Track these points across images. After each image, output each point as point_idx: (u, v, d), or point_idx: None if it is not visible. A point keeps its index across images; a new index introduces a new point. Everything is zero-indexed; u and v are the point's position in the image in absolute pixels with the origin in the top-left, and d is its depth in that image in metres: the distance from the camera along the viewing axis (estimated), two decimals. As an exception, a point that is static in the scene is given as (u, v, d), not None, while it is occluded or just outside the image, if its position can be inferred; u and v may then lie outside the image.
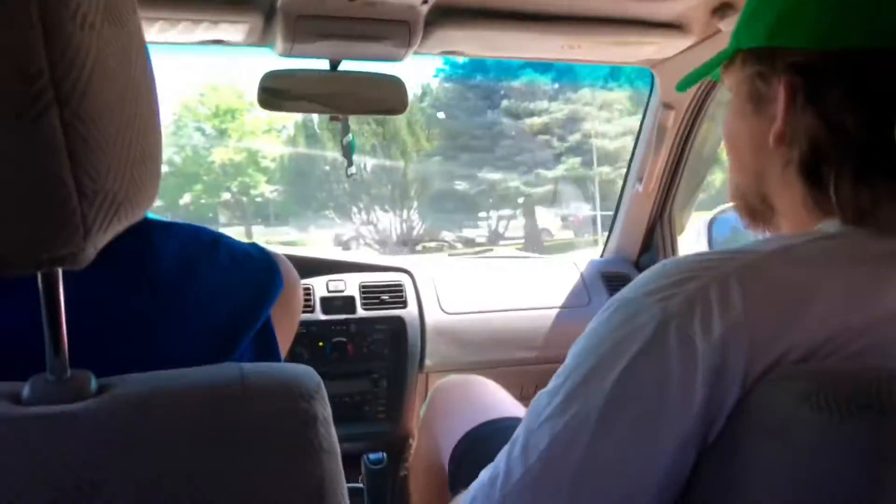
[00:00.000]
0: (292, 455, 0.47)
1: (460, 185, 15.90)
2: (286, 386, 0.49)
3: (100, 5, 0.40)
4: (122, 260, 0.58)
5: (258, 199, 15.90)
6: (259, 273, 0.68)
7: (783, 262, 0.56)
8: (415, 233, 14.58)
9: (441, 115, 15.97)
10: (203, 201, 15.45)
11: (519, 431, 0.60)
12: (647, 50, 1.55)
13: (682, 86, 0.79)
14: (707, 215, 1.84)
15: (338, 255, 1.88)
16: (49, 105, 0.38)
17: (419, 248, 13.34)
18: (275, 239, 13.70)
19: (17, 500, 0.42)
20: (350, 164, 1.54)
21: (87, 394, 0.46)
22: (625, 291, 0.59)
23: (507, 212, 16.43)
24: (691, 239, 1.92)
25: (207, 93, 15.86)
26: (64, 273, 0.45)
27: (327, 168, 15.58)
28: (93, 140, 0.40)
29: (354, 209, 14.88)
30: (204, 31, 1.34)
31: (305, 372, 0.51)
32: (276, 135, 16.18)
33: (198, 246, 0.65)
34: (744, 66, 0.66)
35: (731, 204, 0.75)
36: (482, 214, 16.49)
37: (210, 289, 0.63)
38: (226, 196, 15.79)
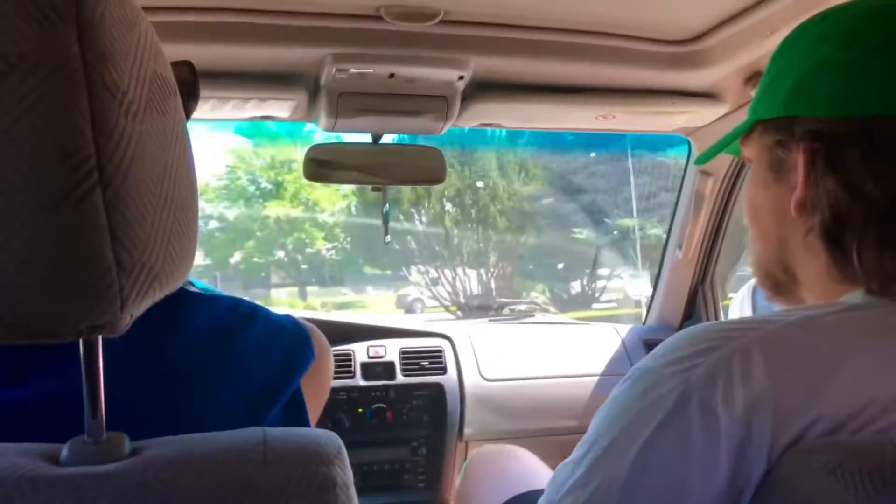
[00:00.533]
0: None
1: (578, 234, 12.56)
2: (305, 450, 0.50)
3: (144, 96, 0.44)
4: (161, 327, 0.60)
5: (313, 258, 15.47)
6: (291, 344, 0.70)
7: (807, 331, 0.55)
8: (499, 295, 12.29)
9: (544, 151, 12.25)
10: (255, 259, 15.14)
11: (541, 502, 0.60)
12: (682, 119, 1.57)
13: (702, 159, 0.80)
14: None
15: (378, 320, 1.90)
16: (94, 186, 0.41)
17: (506, 311, 11.42)
18: (330, 300, 13.30)
19: None
20: (386, 232, 1.59)
21: (121, 455, 0.47)
22: (646, 360, 0.59)
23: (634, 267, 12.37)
24: (735, 305, 1.88)
25: (262, 142, 15.55)
26: (104, 339, 0.48)
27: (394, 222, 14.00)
28: (132, 218, 0.43)
29: (423, 267, 12.80)
30: (253, 109, 1.41)
31: (326, 437, 0.52)
32: (335, 187, 15.60)
33: (235, 317, 0.67)
34: (763, 137, 0.67)
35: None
36: (602, 271, 12.59)
37: (244, 358, 0.65)
38: (279, 254, 15.49)
